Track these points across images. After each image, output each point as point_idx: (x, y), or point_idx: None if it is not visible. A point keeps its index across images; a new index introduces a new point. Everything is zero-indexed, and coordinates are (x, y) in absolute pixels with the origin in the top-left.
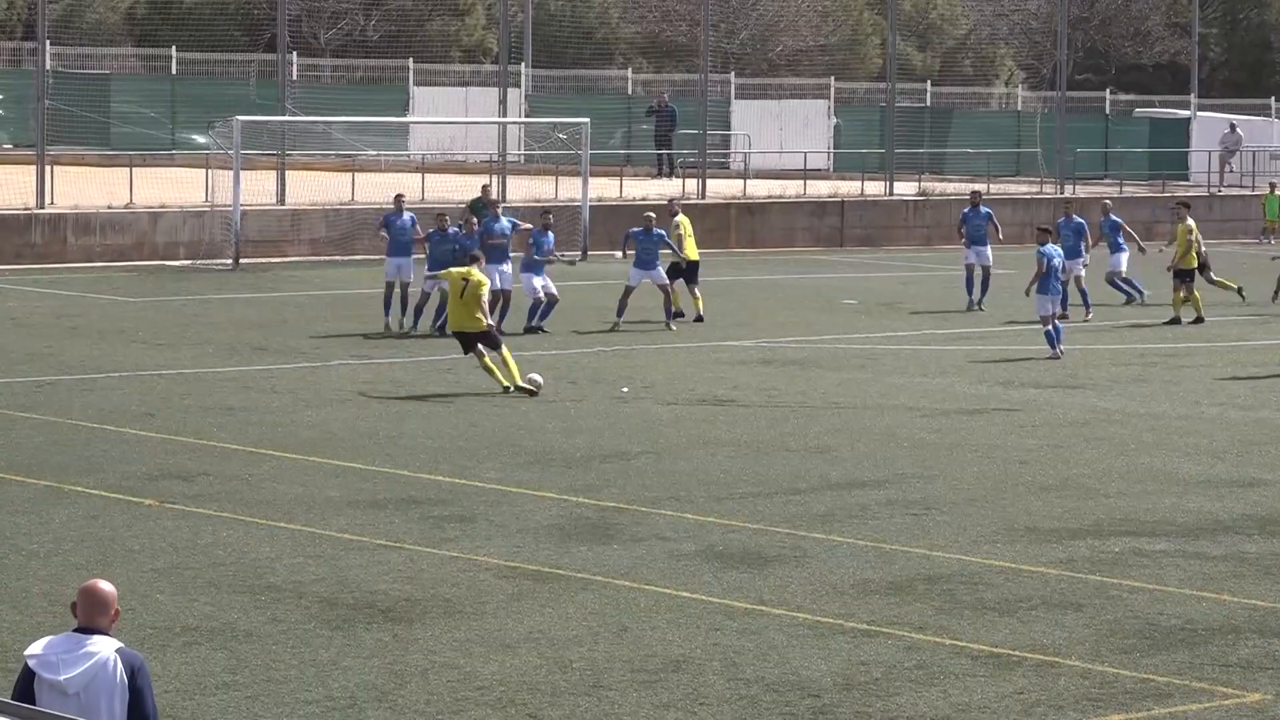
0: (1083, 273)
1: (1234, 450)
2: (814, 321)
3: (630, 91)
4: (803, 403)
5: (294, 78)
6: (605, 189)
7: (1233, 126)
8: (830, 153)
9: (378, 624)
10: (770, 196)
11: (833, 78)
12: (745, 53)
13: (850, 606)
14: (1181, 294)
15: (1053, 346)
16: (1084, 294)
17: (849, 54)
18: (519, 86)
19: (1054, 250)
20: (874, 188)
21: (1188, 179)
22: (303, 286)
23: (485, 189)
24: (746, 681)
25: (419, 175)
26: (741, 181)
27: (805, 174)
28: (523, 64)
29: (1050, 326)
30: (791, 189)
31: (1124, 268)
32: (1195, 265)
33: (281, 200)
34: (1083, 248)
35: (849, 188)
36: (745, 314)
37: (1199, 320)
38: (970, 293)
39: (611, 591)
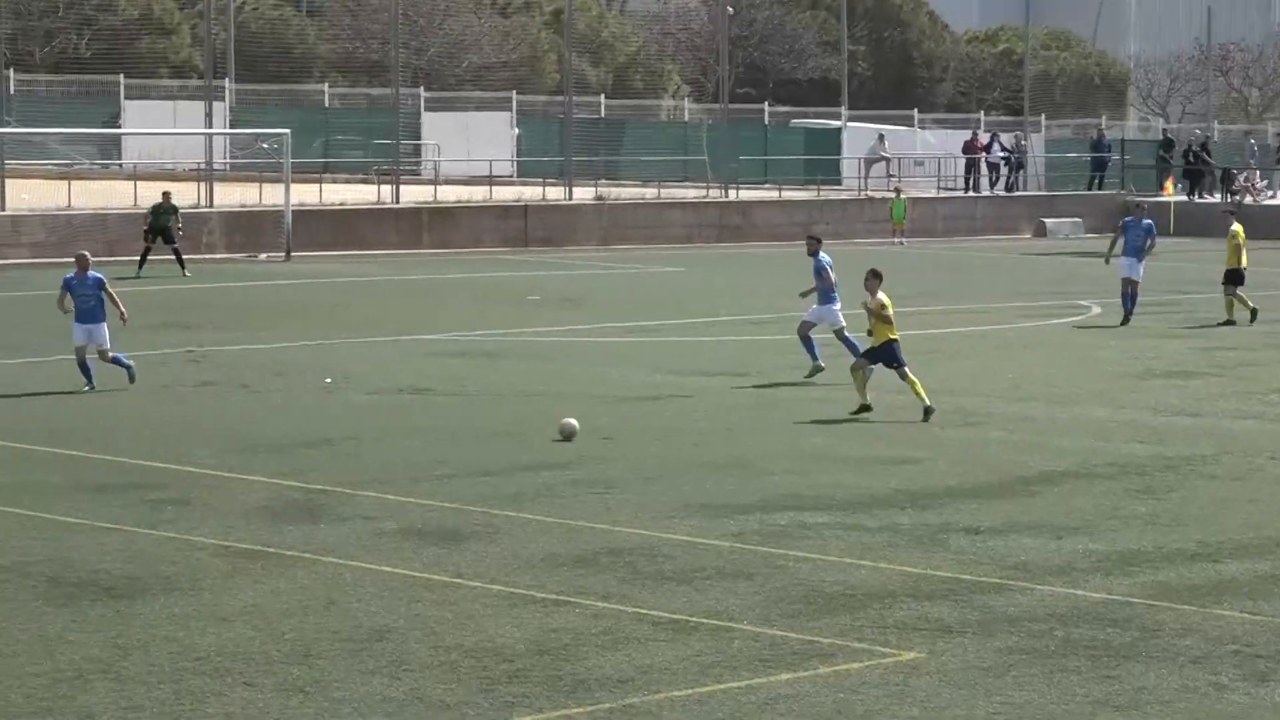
0: (1140, 278)
1: (890, 431)
2: (502, 316)
3: (327, 104)
4: (493, 391)
5: (11, 92)
6: (306, 194)
7: (881, 137)
8: (514, 160)
9: (101, 601)
10: (459, 201)
11: (515, 91)
12: (434, 68)
13: (540, 578)
14: (1232, 297)
15: (813, 357)
16: (1134, 299)
17: (529, 70)
18: (224, 100)
19: (827, 260)
20: (555, 193)
21: (840, 183)
22: (25, 287)
23: (166, 194)
24: (446, 648)
25: (131, 183)
26: (433, 187)
27: (491, 180)
28: (227, 79)
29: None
30: (479, 194)
31: None
32: (1241, 267)
33: (2, 207)
34: (1145, 248)
35: (532, 193)
36: (438, 309)
37: (1254, 317)
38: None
39: (320, 568)
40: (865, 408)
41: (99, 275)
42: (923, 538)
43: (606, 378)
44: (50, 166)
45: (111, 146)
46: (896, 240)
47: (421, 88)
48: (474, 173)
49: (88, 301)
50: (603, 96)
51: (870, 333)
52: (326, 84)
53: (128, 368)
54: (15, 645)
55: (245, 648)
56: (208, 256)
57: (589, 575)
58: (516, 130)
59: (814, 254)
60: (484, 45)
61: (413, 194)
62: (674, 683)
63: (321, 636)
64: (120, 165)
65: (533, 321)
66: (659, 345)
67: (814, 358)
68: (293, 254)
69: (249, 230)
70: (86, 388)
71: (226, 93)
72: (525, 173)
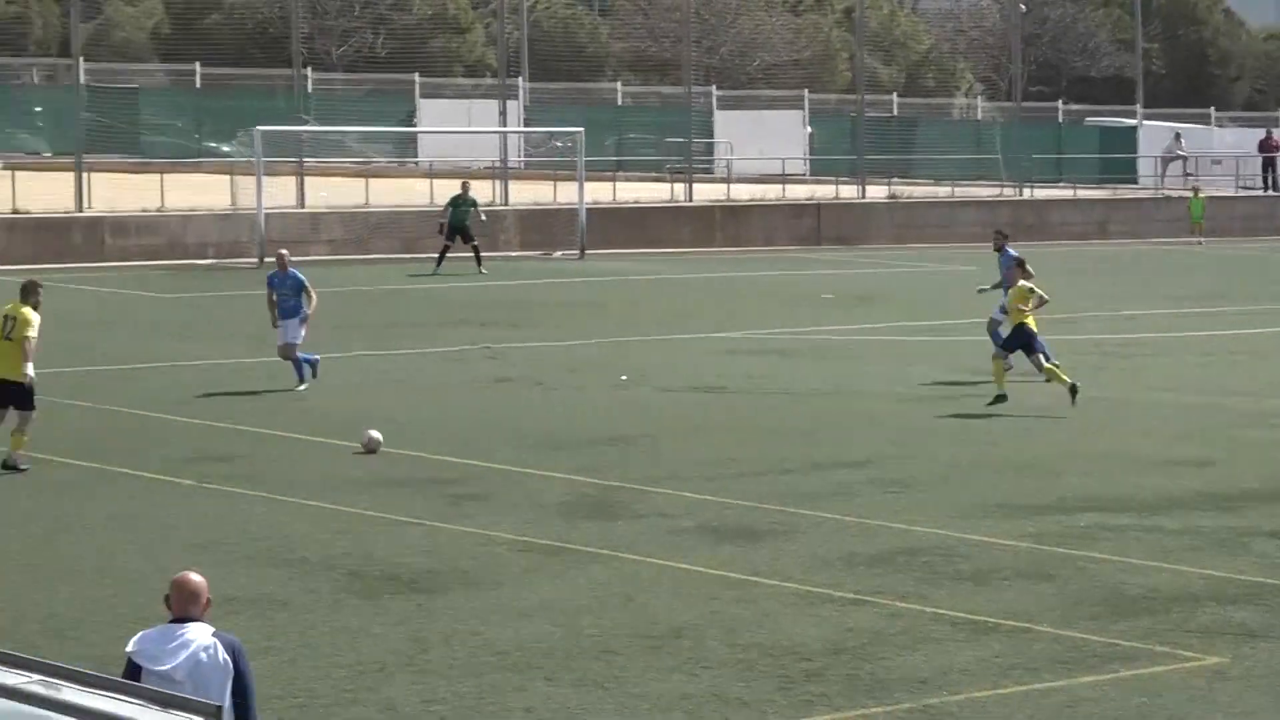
0: None
1: (1187, 432)
2: (795, 315)
3: (620, 102)
4: (787, 389)
5: (309, 91)
6: (599, 193)
7: (1178, 135)
8: (806, 159)
9: (402, 594)
10: (752, 200)
11: (806, 90)
12: (726, 67)
13: (837, 577)
14: None
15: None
16: None
17: (820, 68)
18: (517, 98)
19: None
20: (847, 191)
21: (1135, 182)
22: (323, 283)
23: (465, 185)
24: (744, 646)
25: (427, 181)
26: (725, 186)
27: (784, 179)
28: (520, 78)
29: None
30: (771, 192)
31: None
32: None
33: (301, 204)
34: None
35: (824, 191)
36: (732, 308)
37: None
38: None
39: (617, 564)
40: (1000, 398)
41: (298, 274)
42: (1225, 541)
43: (902, 376)
44: (348, 164)
45: (408, 144)
46: (1195, 240)
47: (713, 86)
48: (766, 171)
49: (286, 300)
50: (895, 95)
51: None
52: (619, 82)
53: (301, 372)
54: (320, 637)
55: (544, 643)
56: (503, 254)
57: (886, 575)
58: (809, 129)
59: (1000, 249)
60: (775, 43)
61: (705, 192)
62: (974, 684)
63: (620, 632)
64: (416, 163)
65: (826, 320)
66: (953, 344)
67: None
68: (587, 251)
69: (543, 228)
70: (300, 385)
71: (520, 91)
72: (817, 171)
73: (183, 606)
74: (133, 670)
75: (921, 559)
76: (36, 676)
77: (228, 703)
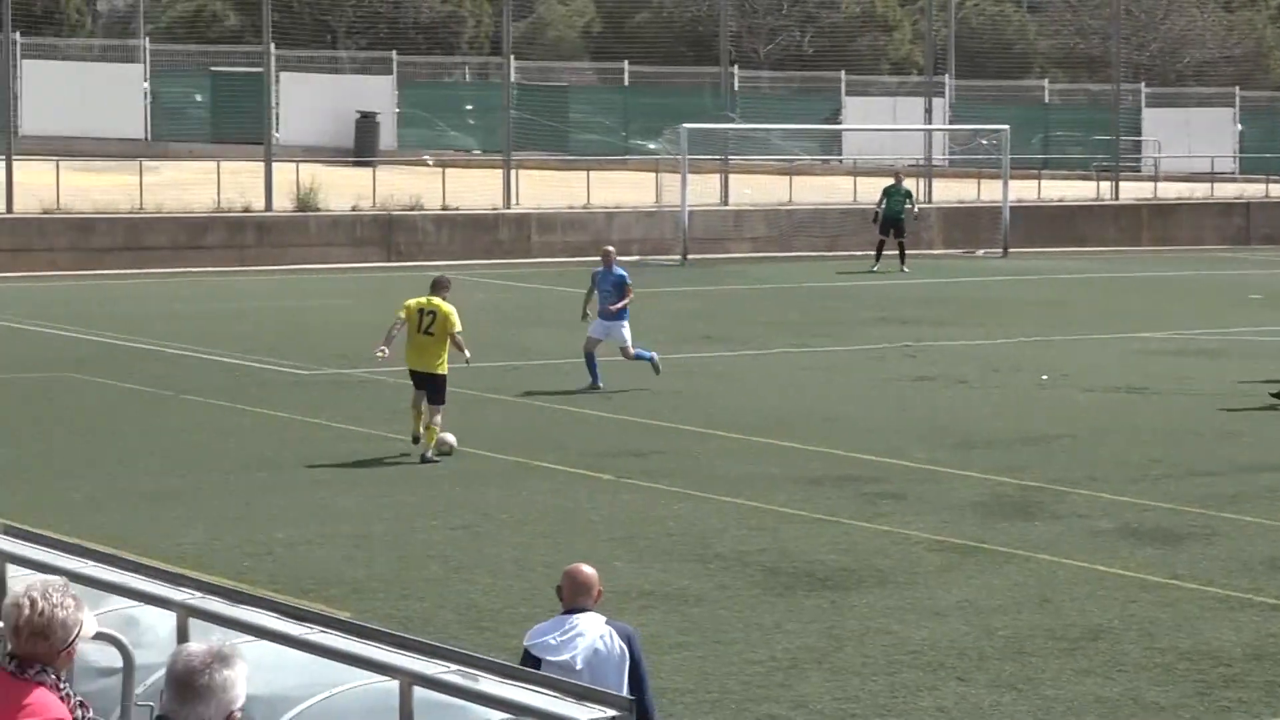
0: None
1: None
2: (1222, 315)
3: (1046, 100)
4: (1213, 390)
5: (736, 88)
6: (1024, 191)
7: None
8: (1236, 157)
9: (817, 592)
10: (1179, 198)
11: (1237, 87)
12: (1154, 64)
13: (1259, 582)
14: None
15: None
16: None
17: (1253, 65)
18: (943, 96)
19: None
20: (1279, 189)
21: None
22: (745, 281)
23: (898, 175)
24: (1162, 650)
25: (850, 179)
26: (1152, 184)
27: (1212, 177)
28: (946, 75)
29: None
30: (1199, 191)
31: None
32: None
33: (725, 201)
34: None
35: (1254, 190)
36: (1157, 307)
37: None
38: None
39: (1033, 565)
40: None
41: (622, 273)
42: None
43: None
44: (772, 162)
45: (832, 142)
46: None
47: (1142, 84)
48: (1194, 169)
49: (606, 299)
50: None
51: None
52: (1046, 80)
53: (650, 359)
54: (733, 633)
55: (958, 642)
56: (925, 252)
57: None
58: (1239, 126)
59: None
60: (1206, 40)
61: (1132, 191)
62: None
63: (1035, 634)
64: (840, 160)
65: (1255, 320)
66: None
67: None
68: (1010, 250)
69: (967, 226)
70: (590, 386)
71: (946, 89)
72: (1247, 169)
73: (574, 597)
74: (531, 663)
75: None
76: (455, 666)
77: (625, 690)
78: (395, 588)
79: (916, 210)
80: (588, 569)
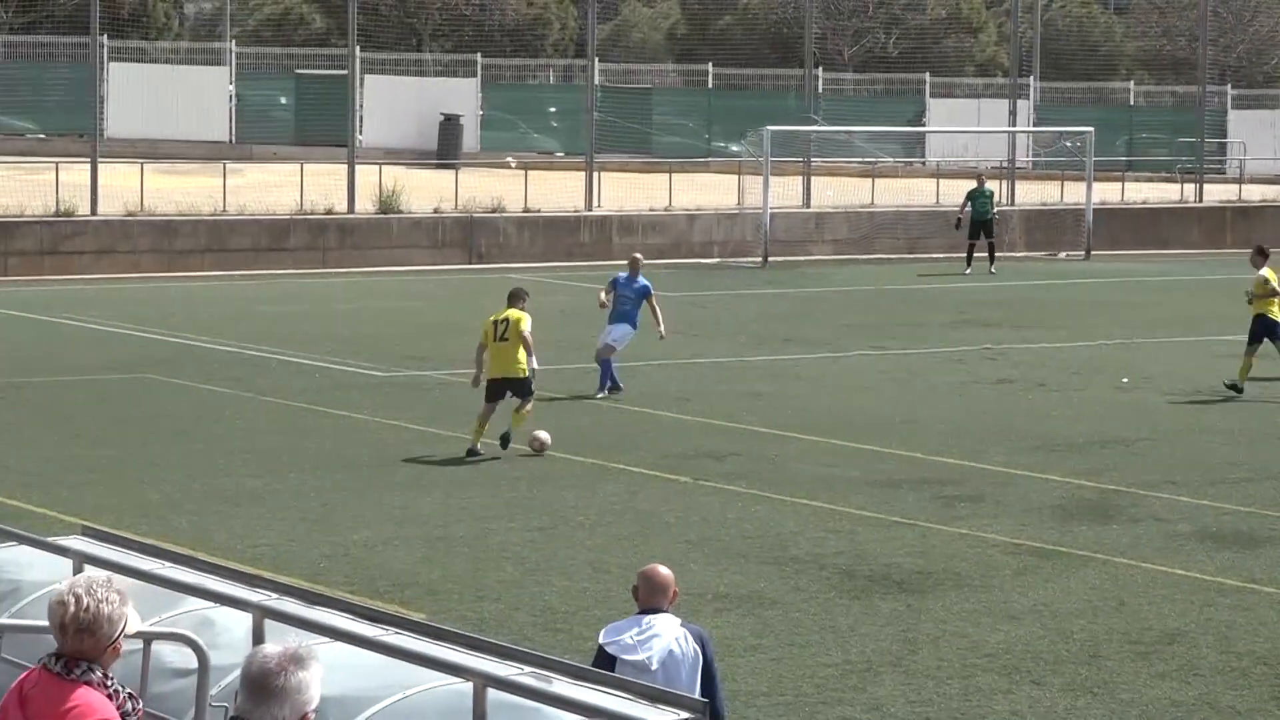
0: None
1: None
2: None
3: (1132, 102)
4: None
5: (820, 90)
6: (1108, 193)
7: None
8: None
9: (892, 594)
10: (1264, 200)
11: None
12: (1242, 65)
13: None
14: None
15: None
16: None
17: None
18: (1027, 98)
19: None
20: None
21: None
22: (825, 283)
23: (980, 179)
24: (1238, 654)
25: (934, 181)
26: (1237, 186)
27: None
28: (1031, 77)
29: None
30: None
31: None
32: None
33: (806, 203)
34: None
35: None
36: (1240, 310)
37: None
38: None
39: (1110, 568)
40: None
41: (646, 283)
42: None
43: None
44: (854, 164)
45: (915, 144)
46: None
47: (1228, 85)
48: (1279, 171)
49: (624, 304)
50: None
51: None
52: (1131, 82)
53: (612, 379)
54: (809, 636)
55: (1034, 646)
56: (1009, 254)
57: None
58: None
59: None
60: None
61: (1216, 193)
62: None
63: (1111, 637)
64: (924, 163)
65: None
66: None
67: None
68: (1093, 252)
69: (1049, 228)
70: (599, 393)
71: (1030, 90)
72: None
73: (650, 598)
74: (606, 661)
75: None
76: (528, 669)
77: (698, 691)
78: (470, 589)
79: (998, 214)
80: (664, 570)
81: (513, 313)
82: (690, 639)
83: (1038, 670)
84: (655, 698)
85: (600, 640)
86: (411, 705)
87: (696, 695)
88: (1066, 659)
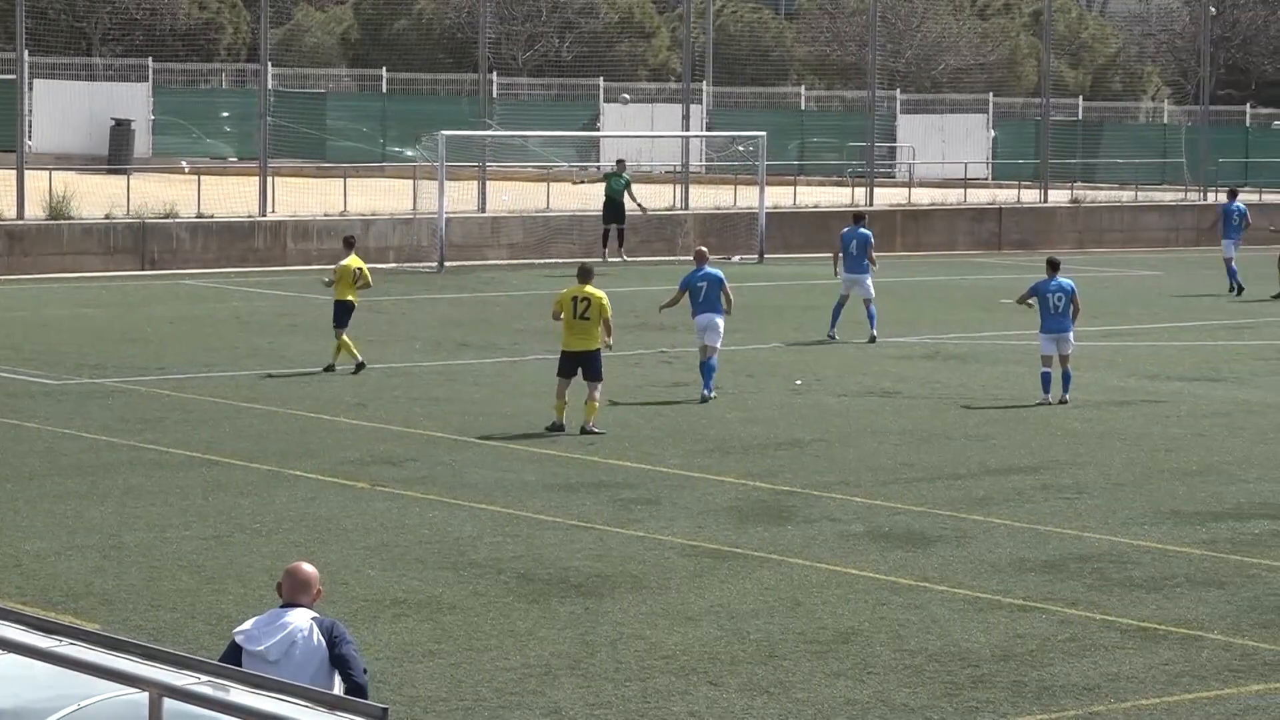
0: None
1: None
2: (974, 319)
3: (803, 106)
4: (963, 394)
5: (494, 95)
6: (780, 197)
7: None
8: (989, 163)
9: (570, 598)
10: (933, 204)
11: (991, 94)
12: (910, 71)
13: (1007, 583)
14: None
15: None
16: None
17: (1006, 72)
18: (701, 103)
19: (1063, 283)
20: (1030, 195)
21: None
22: (502, 287)
23: (620, 163)
24: (911, 652)
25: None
26: (906, 190)
27: (965, 183)
28: (704, 82)
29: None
30: (952, 197)
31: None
32: None
33: (482, 208)
34: None
35: (1006, 195)
36: (910, 312)
37: None
38: None
39: (786, 569)
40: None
41: (717, 272)
42: None
43: (1078, 382)
44: (530, 169)
45: (590, 148)
46: None
47: (898, 90)
48: (948, 175)
49: (699, 294)
50: (1080, 98)
51: None
52: (803, 86)
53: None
54: (487, 640)
55: (711, 647)
56: (682, 258)
57: (1056, 581)
58: (992, 133)
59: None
60: (962, 47)
61: (886, 196)
62: (1141, 691)
63: (787, 637)
64: (598, 168)
65: (1005, 325)
66: (1132, 349)
67: None
68: (766, 255)
69: (723, 231)
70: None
71: (704, 95)
72: (1000, 175)
73: (292, 593)
74: (233, 651)
75: (1093, 565)
76: (205, 677)
77: (335, 682)
78: (146, 598)
79: (643, 208)
80: (308, 567)
81: (593, 291)
82: (317, 630)
83: (714, 671)
84: (334, 705)
85: (234, 630)
86: (86, 716)
87: (326, 688)
88: (743, 659)
